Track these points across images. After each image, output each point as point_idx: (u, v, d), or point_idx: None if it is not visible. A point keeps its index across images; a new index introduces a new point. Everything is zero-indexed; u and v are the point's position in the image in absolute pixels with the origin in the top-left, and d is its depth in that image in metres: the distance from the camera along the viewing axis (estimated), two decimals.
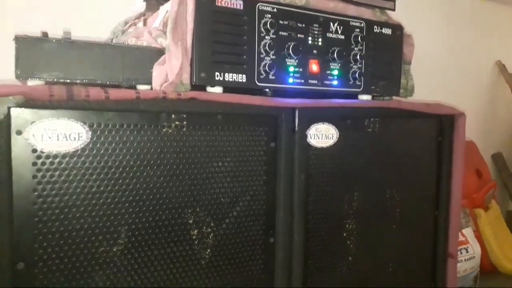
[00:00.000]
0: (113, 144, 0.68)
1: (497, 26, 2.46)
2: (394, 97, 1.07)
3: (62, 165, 0.64)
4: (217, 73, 0.76)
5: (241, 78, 0.78)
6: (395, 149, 1.06)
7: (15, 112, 0.60)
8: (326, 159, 0.94)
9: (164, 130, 0.72)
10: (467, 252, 1.57)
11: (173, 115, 0.73)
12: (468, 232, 1.60)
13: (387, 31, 0.98)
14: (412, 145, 1.09)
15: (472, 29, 2.29)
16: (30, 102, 0.60)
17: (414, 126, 1.09)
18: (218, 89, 0.77)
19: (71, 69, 0.69)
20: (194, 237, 0.78)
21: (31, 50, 0.66)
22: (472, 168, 1.91)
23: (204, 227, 0.79)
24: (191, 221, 0.77)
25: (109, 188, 0.68)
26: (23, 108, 0.60)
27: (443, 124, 1.13)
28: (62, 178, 0.64)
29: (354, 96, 0.97)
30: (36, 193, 0.63)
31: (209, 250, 0.80)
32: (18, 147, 0.61)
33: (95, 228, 0.67)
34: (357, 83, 0.94)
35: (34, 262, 0.63)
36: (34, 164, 0.62)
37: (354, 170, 0.99)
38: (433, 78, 1.93)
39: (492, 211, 1.89)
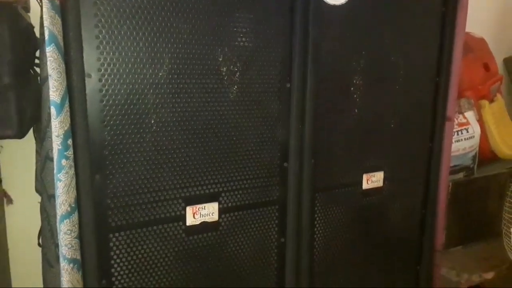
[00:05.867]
0: None
1: None
2: None
3: None
4: None
5: None
6: (401, 16, 1.16)
7: None
8: (338, 17, 1.05)
9: None
10: (467, 132, 1.71)
11: None
12: (469, 114, 1.73)
13: None
14: (417, 14, 1.19)
15: None
16: None
17: None
18: None
19: None
20: (223, 73, 0.93)
21: None
22: (480, 61, 1.99)
23: (232, 66, 0.93)
24: (220, 59, 0.92)
25: (153, 19, 0.82)
26: None
27: None
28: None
29: None
30: (97, 17, 0.77)
31: (236, 87, 0.95)
32: None
33: (144, 52, 0.82)
34: None
35: (100, 75, 0.79)
36: None
37: (363, 31, 1.11)
38: None
39: (496, 103, 2.00)
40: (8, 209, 1.26)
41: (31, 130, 1.15)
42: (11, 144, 1.21)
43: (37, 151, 1.14)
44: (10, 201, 1.25)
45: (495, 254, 1.69)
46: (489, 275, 1.61)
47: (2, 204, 1.25)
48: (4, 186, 1.24)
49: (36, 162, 1.14)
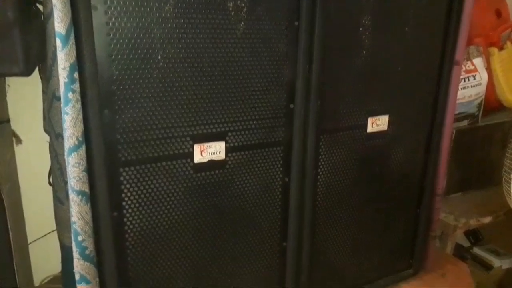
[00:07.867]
0: None
1: None
2: None
3: None
4: None
5: None
6: None
7: None
8: None
9: None
10: (475, 79, 1.70)
11: None
12: (478, 61, 1.71)
13: None
14: None
15: None
16: None
17: None
18: None
19: None
20: (230, 9, 0.91)
21: None
22: (492, 7, 1.94)
23: (239, 1, 0.91)
24: None
25: None
26: None
27: None
28: None
29: None
30: None
31: (243, 23, 0.93)
32: None
33: None
34: None
35: (106, 7, 0.78)
36: None
37: None
38: None
39: (506, 51, 1.96)
40: (18, 149, 1.28)
41: (36, 70, 1.15)
42: (18, 84, 1.22)
43: (43, 91, 1.15)
44: (19, 141, 1.27)
45: (494, 200, 1.73)
46: (487, 220, 1.66)
47: (12, 144, 1.27)
48: (13, 126, 1.26)
49: (43, 102, 1.15)
